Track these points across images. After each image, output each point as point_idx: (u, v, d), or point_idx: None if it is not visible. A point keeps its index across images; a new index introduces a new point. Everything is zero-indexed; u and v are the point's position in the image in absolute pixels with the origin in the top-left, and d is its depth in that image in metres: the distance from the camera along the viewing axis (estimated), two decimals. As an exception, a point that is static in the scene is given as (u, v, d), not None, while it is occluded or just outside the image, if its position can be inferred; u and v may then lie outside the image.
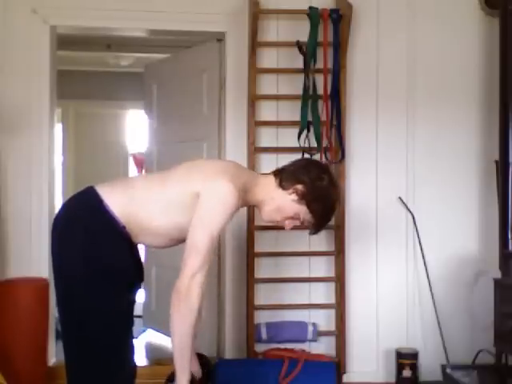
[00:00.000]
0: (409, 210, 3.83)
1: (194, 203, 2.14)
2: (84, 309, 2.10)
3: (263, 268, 3.72)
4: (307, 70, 3.58)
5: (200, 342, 4.16)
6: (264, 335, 3.67)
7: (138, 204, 2.17)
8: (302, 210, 2.25)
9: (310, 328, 3.71)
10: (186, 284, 2.06)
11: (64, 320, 2.18)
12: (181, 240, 2.22)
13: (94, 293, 2.09)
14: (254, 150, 3.70)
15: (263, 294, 3.72)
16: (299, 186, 2.24)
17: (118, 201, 2.16)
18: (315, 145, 3.59)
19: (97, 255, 2.10)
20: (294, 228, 2.36)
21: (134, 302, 2.28)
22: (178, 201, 2.17)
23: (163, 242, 2.26)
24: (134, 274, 2.23)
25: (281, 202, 2.26)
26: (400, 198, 3.84)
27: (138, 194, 2.20)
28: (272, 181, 2.29)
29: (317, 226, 2.31)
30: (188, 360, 2.12)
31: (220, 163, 2.62)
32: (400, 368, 3.66)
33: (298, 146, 3.57)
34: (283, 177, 2.27)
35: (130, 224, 2.15)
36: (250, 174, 2.44)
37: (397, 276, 3.85)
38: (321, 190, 2.24)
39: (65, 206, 2.25)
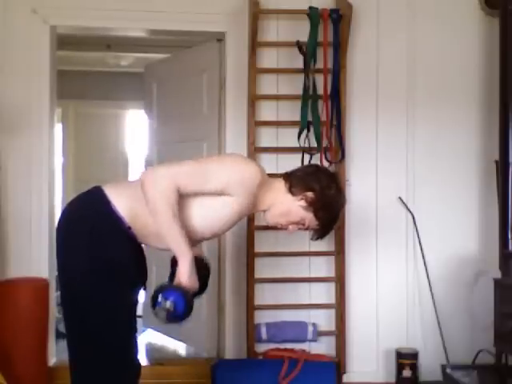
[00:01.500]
0: (409, 210, 3.83)
1: (201, 203, 2.15)
2: (87, 307, 2.11)
3: (263, 268, 3.72)
4: (307, 70, 3.58)
5: (200, 342, 4.19)
6: (264, 335, 3.67)
7: (143, 205, 2.17)
8: (309, 217, 2.27)
9: (310, 328, 3.71)
10: (156, 172, 2.13)
11: (68, 318, 2.19)
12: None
13: (98, 291, 2.10)
14: (254, 150, 3.70)
15: (263, 294, 3.73)
16: (309, 194, 2.25)
17: (123, 201, 2.16)
18: (315, 145, 3.59)
19: (101, 255, 2.10)
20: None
21: (136, 301, 2.28)
22: (182, 200, 2.17)
23: (166, 245, 2.25)
24: (138, 274, 2.24)
25: (288, 207, 2.27)
26: (400, 198, 3.84)
27: (142, 195, 2.19)
28: (282, 185, 2.30)
29: (321, 232, 2.33)
30: (183, 240, 2.10)
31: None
32: (400, 368, 3.66)
33: (298, 145, 3.57)
34: (293, 182, 2.28)
35: (136, 225, 2.15)
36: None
37: (397, 276, 3.85)
38: (329, 199, 2.26)
39: (71, 205, 2.25)
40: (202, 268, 2.30)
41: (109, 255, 2.11)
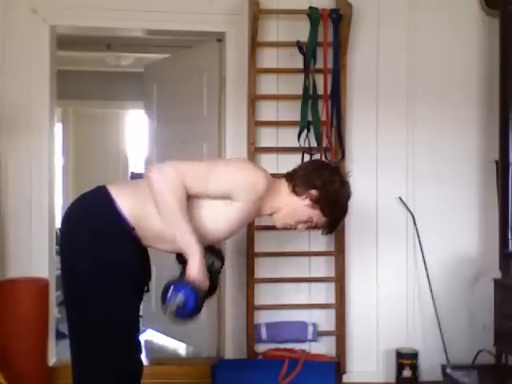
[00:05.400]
0: (409, 210, 3.82)
1: (205, 204, 2.15)
2: (89, 306, 2.11)
3: (263, 268, 3.72)
4: (307, 70, 3.58)
5: (200, 342, 4.19)
6: (264, 335, 3.67)
7: (146, 206, 2.16)
8: (316, 214, 2.27)
9: (310, 328, 3.71)
10: (164, 168, 2.11)
11: (70, 317, 2.19)
12: None
13: (99, 291, 2.10)
14: (254, 150, 3.70)
15: (263, 294, 3.72)
16: (313, 192, 2.25)
17: (127, 202, 2.16)
18: (315, 145, 3.59)
19: (104, 254, 2.10)
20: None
21: (139, 302, 2.28)
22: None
23: (169, 247, 2.24)
24: (141, 274, 2.24)
25: (294, 208, 2.28)
26: (400, 198, 3.84)
27: (147, 196, 2.18)
28: (285, 186, 2.30)
29: (330, 227, 2.34)
30: (192, 235, 2.08)
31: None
32: (400, 368, 3.66)
33: (298, 145, 3.57)
34: (296, 182, 2.28)
35: (140, 225, 2.15)
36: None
37: (397, 276, 3.85)
38: (333, 194, 2.26)
39: (75, 204, 2.25)
40: (216, 259, 2.31)
41: (111, 255, 2.10)
